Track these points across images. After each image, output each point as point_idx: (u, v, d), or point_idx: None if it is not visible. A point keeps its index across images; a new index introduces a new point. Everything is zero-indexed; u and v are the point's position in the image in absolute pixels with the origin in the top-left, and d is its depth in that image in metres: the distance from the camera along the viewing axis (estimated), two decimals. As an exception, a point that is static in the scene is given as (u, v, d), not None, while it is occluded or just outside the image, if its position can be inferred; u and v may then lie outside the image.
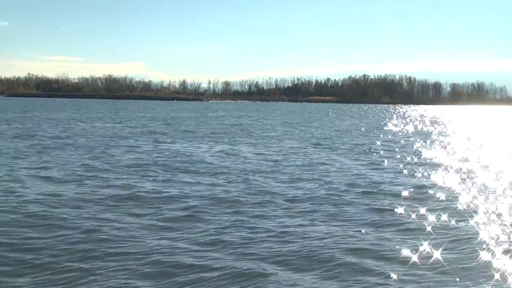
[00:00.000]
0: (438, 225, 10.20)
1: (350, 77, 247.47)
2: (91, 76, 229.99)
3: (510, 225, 10.22)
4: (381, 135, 36.53)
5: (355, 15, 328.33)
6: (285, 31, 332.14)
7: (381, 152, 24.55)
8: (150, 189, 13.25)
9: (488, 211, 11.33)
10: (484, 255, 8.26)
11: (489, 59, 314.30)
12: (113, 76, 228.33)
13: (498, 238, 9.20)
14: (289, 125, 47.13)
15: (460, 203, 12.16)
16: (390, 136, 35.75)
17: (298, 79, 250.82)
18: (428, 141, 31.20)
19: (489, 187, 14.34)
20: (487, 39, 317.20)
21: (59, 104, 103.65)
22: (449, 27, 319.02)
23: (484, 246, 8.78)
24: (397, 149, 25.91)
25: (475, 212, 11.28)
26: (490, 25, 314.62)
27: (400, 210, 11.47)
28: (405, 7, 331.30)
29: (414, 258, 8.14)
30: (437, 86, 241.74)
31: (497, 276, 7.42)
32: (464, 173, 17.29)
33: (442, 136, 36.77)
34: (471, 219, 10.56)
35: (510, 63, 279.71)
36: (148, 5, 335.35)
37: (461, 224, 10.27)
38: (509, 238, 9.23)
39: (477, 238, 9.29)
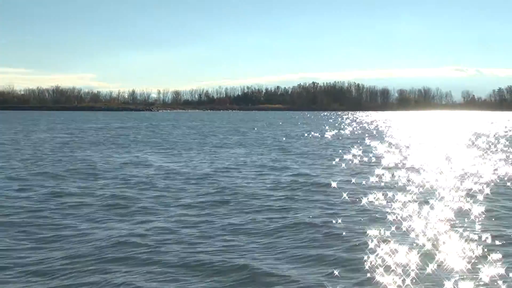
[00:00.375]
0: (380, 218, 10.71)
1: (299, 85, 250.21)
2: (37, 87, 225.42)
3: (444, 224, 10.85)
4: (331, 140, 37.30)
5: (303, 23, 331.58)
6: (234, 40, 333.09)
7: (331, 155, 25.21)
8: (104, 195, 13.37)
9: (423, 209, 11.94)
10: (415, 247, 8.80)
11: (434, 65, 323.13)
12: (60, 88, 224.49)
13: (426, 235, 9.77)
14: (242, 133, 47.47)
15: (397, 200, 12.78)
16: (338, 140, 36.54)
17: (248, 87, 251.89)
18: (375, 145, 32.03)
19: (426, 186, 15.04)
20: (433, 46, 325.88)
21: (6, 116, 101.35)
22: (396, 34, 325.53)
23: (418, 240, 9.33)
24: (345, 152, 26.58)
25: (412, 208, 11.89)
26: (436, 33, 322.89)
27: (346, 205, 12.00)
28: (351, 15, 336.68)
29: (357, 246, 8.61)
30: (385, 93, 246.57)
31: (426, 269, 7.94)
32: (405, 174, 18.02)
33: (389, 140, 37.77)
34: (408, 215, 11.16)
35: (455, 69, 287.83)
36: (94, 14, 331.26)
37: (398, 218, 10.80)
38: (436, 236, 9.80)
39: (410, 232, 9.85)
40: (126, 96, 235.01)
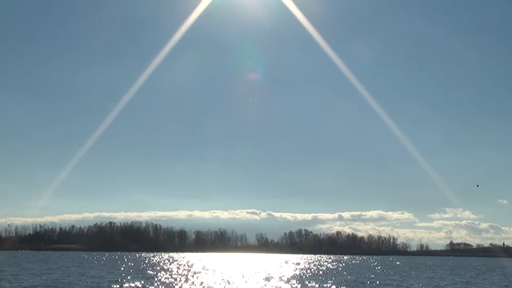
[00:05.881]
0: None
1: (96, 224, 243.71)
2: None
3: None
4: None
5: (99, 160, 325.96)
6: (28, 176, 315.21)
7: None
8: None
9: None
10: None
11: (230, 208, 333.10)
12: None
13: None
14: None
15: None
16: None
17: (40, 226, 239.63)
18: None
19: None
20: (229, 189, 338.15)
21: None
22: (193, 177, 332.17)
23: None
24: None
25: None
26: (231, 177, 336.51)
27: None
28: (147, 155, 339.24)
29: None
30: (182, 234, 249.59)
31: None
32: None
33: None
34: None
35: (248, 213, 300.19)
36: None
37: None
38: None
39: None
40: None
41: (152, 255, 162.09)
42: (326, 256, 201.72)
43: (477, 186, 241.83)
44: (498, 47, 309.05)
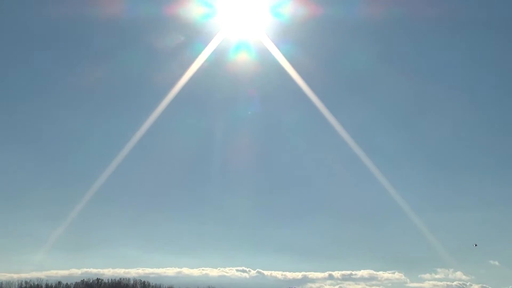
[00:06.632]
0: None
1: (83, 281, 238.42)
2: None
3: None
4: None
5: (91, 221, 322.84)
6: (14, 231, 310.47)
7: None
8: None
9: None
10: None
11: (220, 265, 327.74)
12: None
13: None
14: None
15: None
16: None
17: (26, 282, 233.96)
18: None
19: None
20: (218, 246, 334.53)
21: None
22: (181, 233, 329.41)
23: None
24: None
25: None
26: (219, 234, 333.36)
27: None
28: (133, 209, 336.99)
29: None
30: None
31: None
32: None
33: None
34: None
35: (238, 271, 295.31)
36: None
37: None
38: None
39: None
40: None
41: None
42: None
43: (475, 245, 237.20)
44: (496, 116, 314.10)
